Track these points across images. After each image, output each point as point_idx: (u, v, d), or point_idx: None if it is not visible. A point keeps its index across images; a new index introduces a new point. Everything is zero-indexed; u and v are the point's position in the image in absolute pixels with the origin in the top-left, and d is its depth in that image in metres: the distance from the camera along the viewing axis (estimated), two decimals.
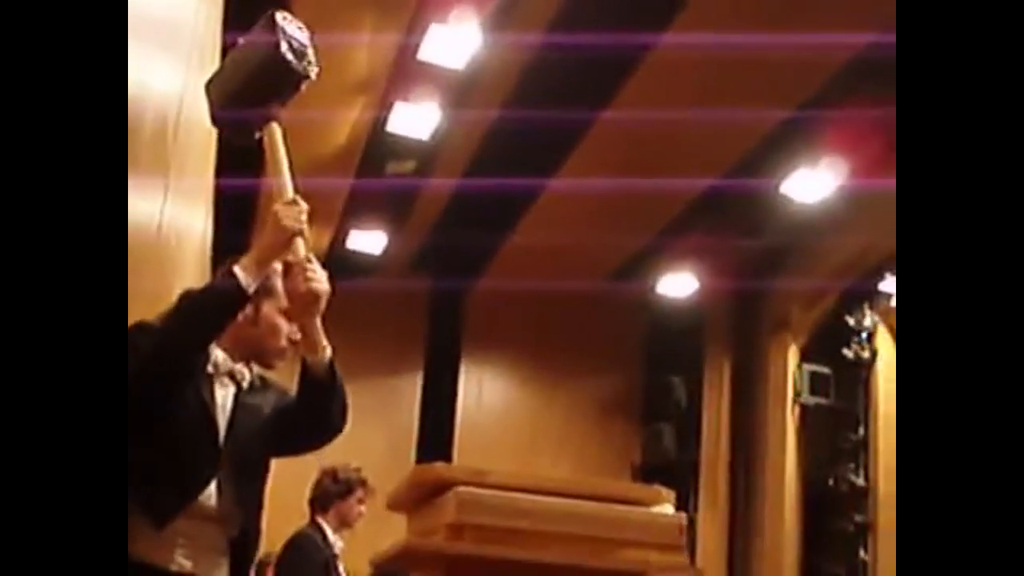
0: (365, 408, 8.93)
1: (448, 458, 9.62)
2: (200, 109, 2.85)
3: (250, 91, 2.65)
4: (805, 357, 9.91)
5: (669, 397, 10.88)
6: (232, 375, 2.69)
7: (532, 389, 11.06)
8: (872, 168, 7.58)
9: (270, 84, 2.65)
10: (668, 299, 10.42)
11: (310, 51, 2.66)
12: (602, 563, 2.22)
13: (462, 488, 2.17)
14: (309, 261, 2.58)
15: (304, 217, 2.56)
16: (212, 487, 2.60)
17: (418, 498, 2.33)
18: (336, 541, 5.12)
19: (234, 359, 2.69)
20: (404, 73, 7.53)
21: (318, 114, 7.53)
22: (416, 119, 7.87)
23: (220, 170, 5.99)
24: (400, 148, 8.31)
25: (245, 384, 2.71)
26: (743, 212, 8.98)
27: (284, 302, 2.69)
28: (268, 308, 2.69)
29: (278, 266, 2.66)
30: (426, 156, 8.49)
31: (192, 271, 5.04)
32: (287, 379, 2.79)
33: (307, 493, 5.23)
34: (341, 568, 5.12)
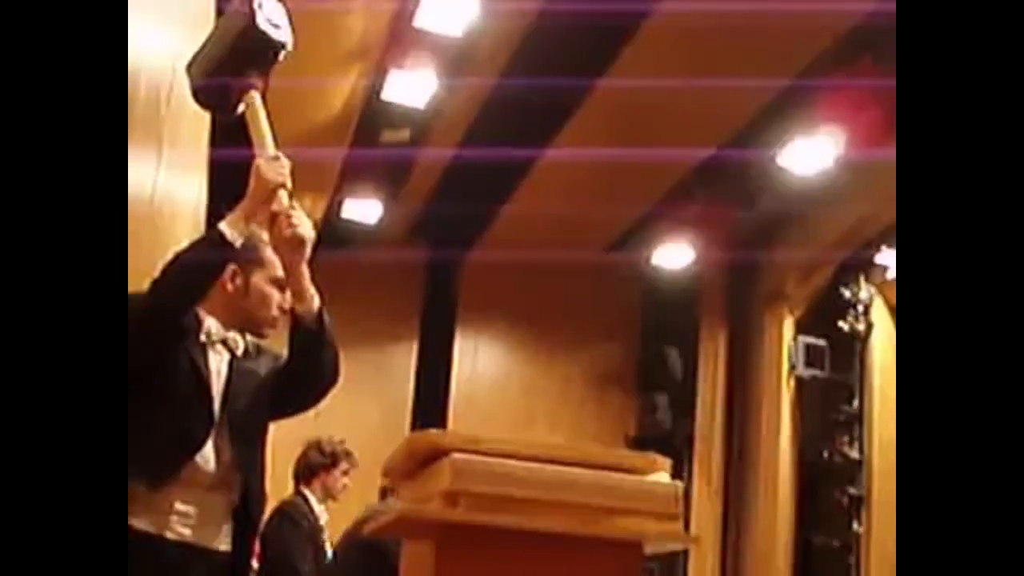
0: (360, 378, 8.94)
1: (443, 428, 9.63)
2: None
3: (229, 63, 2.72)
4: (801, 329, 9.91)
5: (664, 368, 10.88)
6: (225, 343, 2.71)
7: (527, 360, 11.06)
8: (870, 139, 7.55)
9: (248, 54, 2.71)
10: (664, 270, 10.41)
11: (286, 21, 2.72)
12: (598, 531, 2.22)
13: (457, 455, 2.16)
14: (293, 209, 2.60)
15: (286, 171, 2.63)
16: (210, 453, 2.61)
17: (412, 466, 2.32)
18: (322, 512, 5.17)
19: (226, 329, 2.71)
20: (400, 40, 7.48)
21: (312, 82, 7.50)
22: (412, 87, 7.82)
23: (215, 142, 5.96)
24: (395, 116, 8.27)
25: (239, 351, 2.73)
26: (740, 183, 8.95)
27: (274, 272, 2.72)
28: (258, 278, 2.74)
29: (267, 236, 2.69)
30: (422, 125, 8.45)
31: (186, 240, 5.02)
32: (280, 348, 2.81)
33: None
34: (326, 539, 5.16)
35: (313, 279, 2.69)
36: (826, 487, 9.61)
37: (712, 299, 10.72)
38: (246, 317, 2.74)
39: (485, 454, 2.19)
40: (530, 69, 7.53)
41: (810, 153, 8.25)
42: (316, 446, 5.24)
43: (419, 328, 10.81)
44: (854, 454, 9.47)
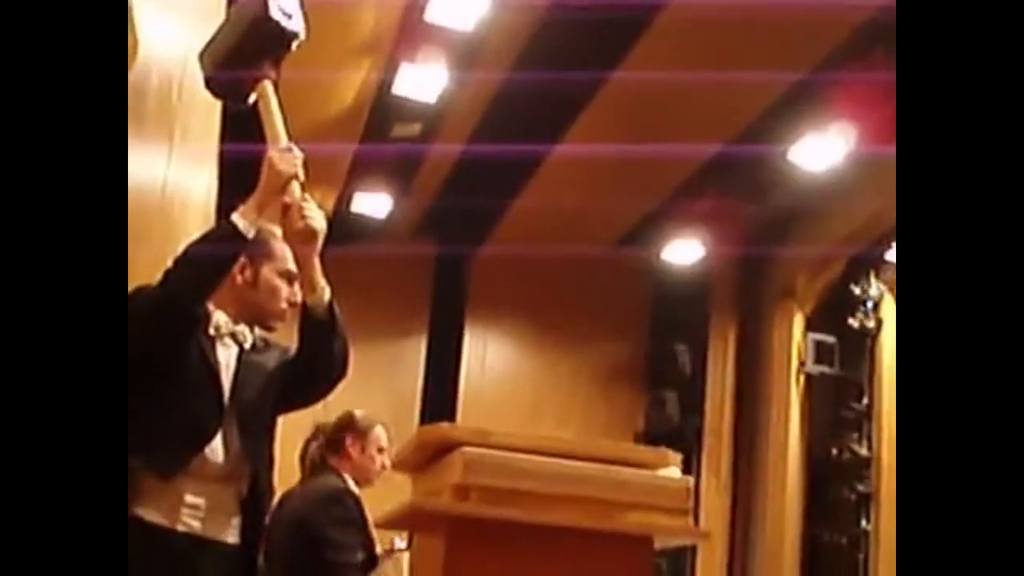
0: (369, 372, 8.94)
1: (452, 423, 9.63)
2: None
3: (241, 52, 2.72)
4: (810, 326, 9.89)
5: (673, 364, 10.87)
6: (234, 336, 2.71)
7: (536, 355, 11.05)
8: (881, 135, 7.52)
9: (260, 44, 2.70)
10: (674, 265, 10.39)
11: (298, 10, 2.71)
12: (608, 525, 2.21)
13: (468, 448, 2.16)
14: (305, 201, 2.59)
15: (298, 163, 2.62)
16: (219, 445, 2.62)
17: (423, 459, 2.32)
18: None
19: (235, 322, 2.71)
20: (410, 34, 7.47)
21: (323, 76, 7.50)
22: (423, 81, 7.81)
23: (226, 134, 5.97)
24: (406, 111, 8.26)
25: (247, 344, 2.73)
26: (750, 178, 8.93)
27: (284, 265, 2.72)
28: (267, 271, 2.74)
29: (276, 229, 2.70)
30: (432, 119, 8.44)
31: (198, 232, 5.02)
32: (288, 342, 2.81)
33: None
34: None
35: (323, 273, 2.68)
36: (835, 484, 9.60)
37: (722, 295, 10.70)
38: (255, 310, 2.74)
39: (496, 447, 2.19)
40: (541, 63, 7.52)
41: (821, 149, 8.23)
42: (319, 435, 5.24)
43: (428, 322, 10.81)
44: (863, 451, 9.46)
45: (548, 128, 8.47)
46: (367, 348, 8.82)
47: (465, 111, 8.40)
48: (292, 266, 2.71)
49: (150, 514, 2.52)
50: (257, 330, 2.77)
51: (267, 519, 2.84)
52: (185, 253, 2.60)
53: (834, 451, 9.58)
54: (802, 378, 9.80)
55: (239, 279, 2.70)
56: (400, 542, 4.31)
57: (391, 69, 7.81)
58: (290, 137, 2.66)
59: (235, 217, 2.60)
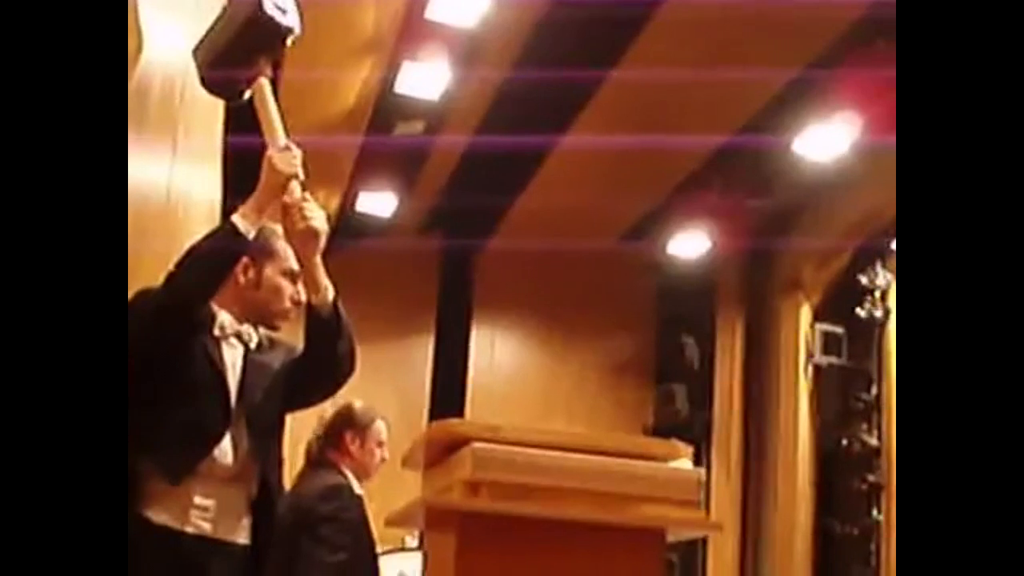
0: (376, 370, 8.95)
1: (461, 419, 9.63)
2: None
3: (236, 49, 2.69)
4: (818, 317, 9.87)
5: (681, 357, 10.86)
6: (239, 336, 2.70)
7: (544, 350, 11.05)
8: (886, 125, 7.50)
9: (256, 40, 2.68)
10: (680, 259, 10.37)
11: (293, 6, 2.69)
12: (620, 519, 2.21)
13: (478, 444, 2.15)
14: (306, 200, 2.58)
15: (298, 162, 2.61)
16: (228, 446, 2.61)
17: (433, 455, 2.31)
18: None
19: (240, 322, 2.70)
20: (413, 32, 7.47)
21: (325, 75, 7.49)
22: (425, 79, 7.80)
23: (229, 132, 5.97)
24: (409, 108, 8.25)
25: (253, 344, 2.72)
26: (755, 171, 8.91)
27: (286, 264, 2.71)
28: (270, 270, 2.73)
29: (279, 228, 2.69)
30: (435, 116, 8.43)
31: (201, 233, 5.02)
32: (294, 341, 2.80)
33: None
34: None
35: (329, 272, 2.67)
36: (844, 475, 9.58)
37: (729, 287, 10.69)
38: (259, 310, 2.73)
39: (506, 443, 2.18)
40: (543, 59, 7.51)
41: (826, 140, 8.21)
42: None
43: (435, 319, 10.81)
44: (872, 441, 9.44)
45: (552, 124, 8.46)
46: (375, 346, 8.83)
47: (468, 108, 8.39)
48: (295, 265, 2.70)
49: (160, 516, 2.51)
50: (262, 329, 2.77)
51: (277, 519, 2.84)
52: (187, 255, 2.60)
53: (844, 442, 9.56)
54: (810, 369, 9.78)
55: (242, 279, 2.69)
56: (411, 540, 4.30)
57: (393, 67, 7.80)
58: (288, 135, 2.64)
59: (235, 218, 2.59)
